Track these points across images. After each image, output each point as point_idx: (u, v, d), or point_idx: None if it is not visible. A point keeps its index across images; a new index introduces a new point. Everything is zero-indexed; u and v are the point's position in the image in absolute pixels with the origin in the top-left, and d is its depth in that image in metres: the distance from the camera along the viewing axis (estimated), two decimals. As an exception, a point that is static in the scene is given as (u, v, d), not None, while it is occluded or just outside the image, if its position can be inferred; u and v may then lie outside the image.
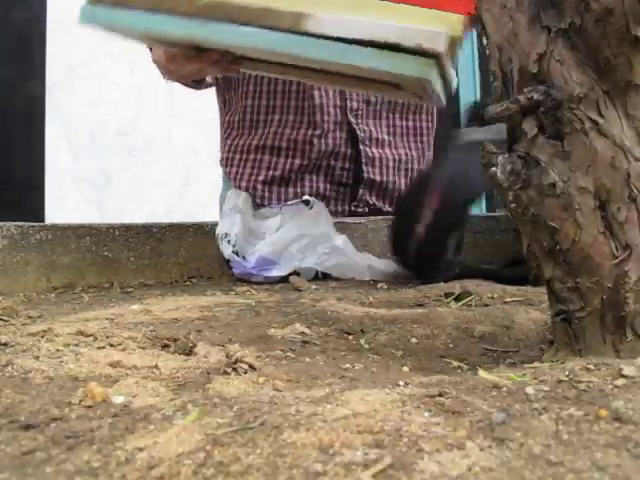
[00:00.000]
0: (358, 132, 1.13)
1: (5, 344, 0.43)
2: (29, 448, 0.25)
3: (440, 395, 0.29)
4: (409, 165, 1.16)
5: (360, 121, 1.14)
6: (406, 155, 1.17)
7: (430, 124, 1.20)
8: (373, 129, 1.15)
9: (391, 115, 1.17)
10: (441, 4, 0.68)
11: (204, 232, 0.92)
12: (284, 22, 0.70)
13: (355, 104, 1.14)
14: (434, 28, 0.66)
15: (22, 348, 0.41)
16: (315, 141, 1.09)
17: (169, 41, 0.79)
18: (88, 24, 0.76)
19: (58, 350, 0.41)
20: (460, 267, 0.77)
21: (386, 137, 1.16)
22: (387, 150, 1.14)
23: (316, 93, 1.11)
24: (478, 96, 2.68)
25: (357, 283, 0.86)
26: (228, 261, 0.85)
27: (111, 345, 0.43)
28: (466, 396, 0.29)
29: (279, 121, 1.11)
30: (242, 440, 0.24)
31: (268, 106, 1.13)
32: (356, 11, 0.69)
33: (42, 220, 1.94)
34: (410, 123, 1.18)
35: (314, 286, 0.81)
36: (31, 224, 0.77)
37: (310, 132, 1.10)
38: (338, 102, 1.13)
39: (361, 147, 1.11)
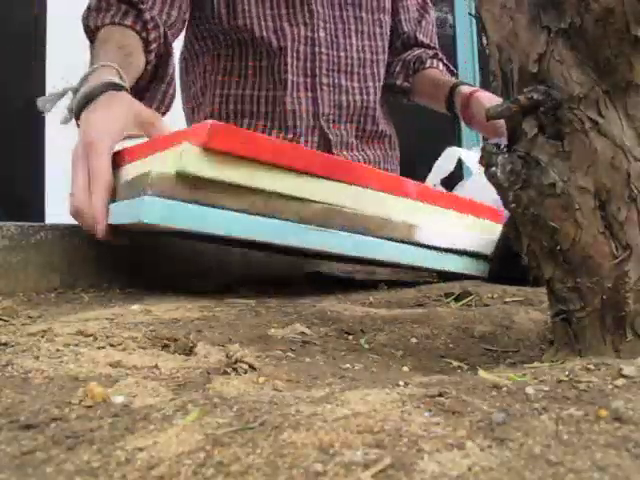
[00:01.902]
0: (330, 136, 1.16)
1: (5, 344, 0.43)
2: (29, 448, 0.25)
3: (440, 395, 0.29)
4: (375, 165, 1.22)
5: (332, 125, 1.17)
6: (373, 156, 1.23)
7: (392, 129, 1.28)
8: (344, 133, 1.19)
9: (362, 120, 1.21)
10: (484, 215, 0.84)
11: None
12: (399, 232, 0.72)
13: (327, 109, 1.16)
14: (490, 236, 0.83)
15: (22, 348, 0.41)
16: None
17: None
18: (152, 221, 0.57)
19: (58, 350, 0.41)
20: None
21: (354, 140, 1.20)
22: (356, 152, 1.19)
23: (288, 99, 1.13)
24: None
25: (357, 283, 0.86)
26: None
27: (111, 345, 0.43)
28: (466, 396, 0.29)
29: (248, 125, 1.14)
30: (242, 440, 0.24)
31: (236, 110, 1.15)
32: (442, 222, 0.78)
33: (42, 220, 1.94)
34: (380, 128, 1.24)
35: (314, 286, 0.81)
36: (31, 224, 0.77)
37: (281, 137, 1.12)
38: (310, 108, 1.15)
39: (334, 151, 1.15)
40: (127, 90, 0.80)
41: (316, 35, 1.14)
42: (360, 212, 0.68)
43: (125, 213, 0.63)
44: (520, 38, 0.39)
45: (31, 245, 0.76)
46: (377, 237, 0.70)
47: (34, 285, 0.75)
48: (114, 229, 0.70)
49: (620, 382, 0.30)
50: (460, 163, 1.10)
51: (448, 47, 2.83)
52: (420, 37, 1.33)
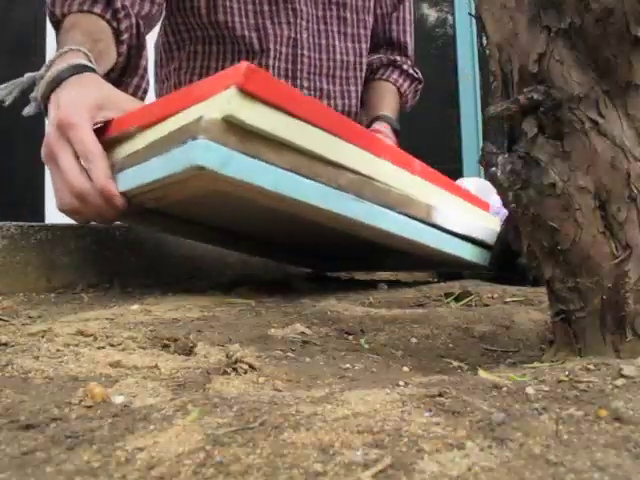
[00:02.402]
0: None
1: (5, 344, 0.43)
2: (29, 448, 0.25)
3: (440, 395, 0.29)
4: None
5: None
6: None
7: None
8: None
9: (345, 115, 1.20)
10: (482, 206, 0.85)
11: (204, 232, 0.92)
12: (420, 212, 0.70)
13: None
14: (494, 227, 0.84)
15: (22, 348, 0.41)
16: None
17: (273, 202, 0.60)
18: (208, 165, 0.53)
19: (58, 350, 0.41)
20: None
21: None
22: None
23: None
24: (478, 96, 2.69)
25: (357, 283, 0.86)
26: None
27: (111, 345, 0.43)
28: (466, 396, 0.29)
29: None
30: (242, 440, 0.24)
31: None
32: (455, 207, 0.78)
33: (42, 220, 1.94)
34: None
35: (314, 286, 0.81)
36: (31, 224, 0.77)
37: None
38: None
39: None
40: (98, 74, 0.72)
41: (299, 36, 1.10)
42: (387, 186, 0.67)
43: (160, 167, 0.57)
44: (520, 38, 0.39)
45: (31, 245, 0.76)
46: (401, 214, 0.68)
47: (34, 285, 0.75)
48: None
49: (620, 382, 0.30)
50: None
51: (448, 47, 2.83)
52: (388, 35, 1.27)
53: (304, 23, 1.11)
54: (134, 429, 0.26)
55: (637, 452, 0.23)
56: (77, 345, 0.42)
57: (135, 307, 0.59)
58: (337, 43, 1.16)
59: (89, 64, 0.72)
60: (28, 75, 0.75)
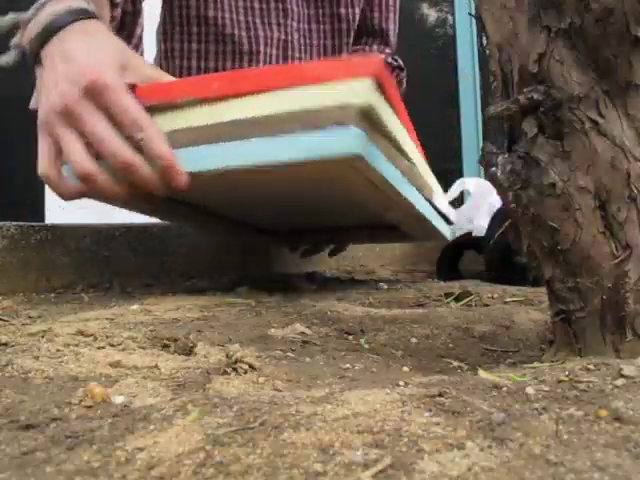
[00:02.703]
0: None
1: (5, 344, 0.43)
2: (29, 448, 0.25)
3: (440, 395, 0.29)
4: None
5: None
6: None
7: None
8: None
9: None
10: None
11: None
12: (428, 193, 0.77)
13: None
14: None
15: (22, 348, 0.41)
16: None
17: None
18: (362, 153, 0.52)
19: (58, 350, 0.41)
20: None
21: None
22: None
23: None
24: (478, 96, 2.69)
25: (357, 283, 0.86)
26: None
27: (111, 345, 0.43)
28: (466, 396, 0.29)
29: None
30: (242, 440, 0.24)
31: None
32: (438, 188, 0.84)
33: (42, 220, 1.94)
34: None
35: (314, 286, 0.81)
36: (31, 224, 0.77)
37: None
38: None
39: None
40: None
41: (289, 37, 1.08)
42: (417, 169, 0.70)
43: (280, 149, 0.52)
44: (520, 38, 0.39)
45: (31, 245, 0.76)
46: (423, 196, 0.74)
47: (34, 285, 0.75)
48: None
49: (620, 382, 0.30)
50: (462, 192, 1.20)
51: (448, 47, 2.83)
52: (369, 22, 1.22)
53: (295, 24, 1.09)
54: (134, 429, 0.26)
55: (637, 452, 0.23)
56: (77, 345, 0.42)
57: (135, 307, 0.59)
58: (329, 42, 1.13)
59: (91, 9, 0.59)
60: (11, 17, 0.62)
